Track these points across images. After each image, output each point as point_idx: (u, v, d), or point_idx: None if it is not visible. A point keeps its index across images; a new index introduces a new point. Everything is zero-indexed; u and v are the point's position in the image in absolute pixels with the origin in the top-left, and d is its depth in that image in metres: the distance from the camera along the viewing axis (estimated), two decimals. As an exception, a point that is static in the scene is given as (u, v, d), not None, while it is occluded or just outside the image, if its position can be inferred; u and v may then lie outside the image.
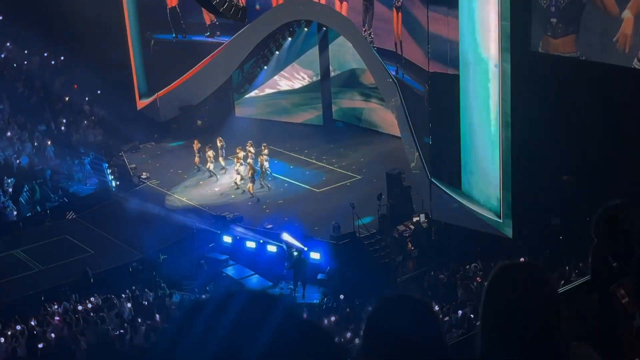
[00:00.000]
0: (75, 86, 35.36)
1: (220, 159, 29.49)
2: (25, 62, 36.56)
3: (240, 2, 25.90)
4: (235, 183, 28.24)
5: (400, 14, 25.18)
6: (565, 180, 21.25)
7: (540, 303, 2.55)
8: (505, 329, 2.54)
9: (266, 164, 28.03)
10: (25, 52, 36.72)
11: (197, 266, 24.25)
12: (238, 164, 28.13)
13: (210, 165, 29.24)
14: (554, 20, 20.18)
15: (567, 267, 19.38)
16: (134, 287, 23.04)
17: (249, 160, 27.99)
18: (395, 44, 25.79)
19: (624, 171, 19.56)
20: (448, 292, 21.31)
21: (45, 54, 36.83)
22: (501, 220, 22.35)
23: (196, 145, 29.89)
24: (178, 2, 33.00)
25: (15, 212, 27.69)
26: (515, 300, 2.55)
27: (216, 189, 28.71)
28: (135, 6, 33.82)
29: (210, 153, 29.14)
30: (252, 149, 28.67)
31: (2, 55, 36.68)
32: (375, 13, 26.69)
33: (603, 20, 19.43)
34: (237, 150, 28.43)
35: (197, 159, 29.79)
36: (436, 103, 23.37)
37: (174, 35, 33.54)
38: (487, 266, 22.01)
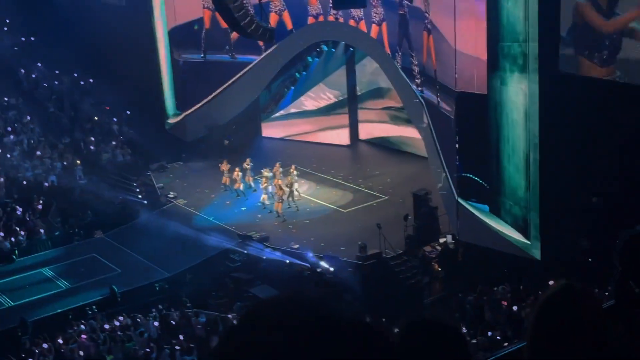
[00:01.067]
0: (107, 108, 35.67)
1: (250, 179, 29.55)
2: (56, 82, 37.01)
3: (270, 23, 26.07)
4: (263, 203, 28.28)
5: (431, 36, 25.19)
6: (594, 202, 21.05)
7: (594, 326, 2.57)
8: (557, 347, 2.55)
9: (295, 185, 28.07)
10: (56, 72, 37.17)
11: (224, 286, 24.26)
12: (265, 184, 28.19)
13: (241, 186, 29.28)
14: (605, 52, 20.05)
15: (596, 290, 19.14)
16: (160, 306, 23.10)
17: (279, 181, 28.03)
18: (424, 65, 25.79)
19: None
20: (475, 314, 21.13)
21: (75, 74, 37.25)
22: (529, 242, 22.17)
23: (225, 166, 29.97)
24: (210, 24, 33.21)
25: (43, 230, 27.91)
26: (569, 322, 2.56)
27: (243, 209, 28.77)
28: (165, 27, 34.12)
29: (238, 174, 29.23)
30: (280, 169, 28.73)
31: (33, 76, 37.18)
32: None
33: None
34: (263, 171, 28.47)
35: (225, 179, 29.87)
36: (464, 123, 23.29)
37: (202, 56, 33.77)
38: (515, 288, 21.85)
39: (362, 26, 29.12)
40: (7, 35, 38.45)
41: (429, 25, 24.96)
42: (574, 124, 20.69)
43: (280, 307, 1.85)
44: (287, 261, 24.53)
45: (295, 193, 28.16)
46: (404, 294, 22.84)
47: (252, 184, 29.53)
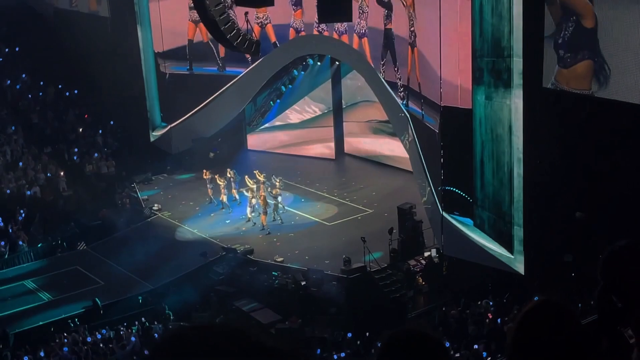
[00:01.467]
0: (86, 116, 35.62)
1: (233, 191, 29.52)
2: (40, 93, 36.88)
3: (254, 35, 26.12)
4: (248, 217, 28.16)
5: (415, 49, 25.33)
6: (578, 217, 21.14)
7: (573, 341, 2.59)
8: None
9: (279, 198, 28.05)
10: (41, 83, 37.06)
11: (207, 299, 24.18)
12: (251, 196, 28.09)
13: (224, 197, 29.27)
14: (561, 51, 20.22)
15: (579, 305, 19.20)
16: (143, 319, 22.99)
17: (262, 193, 27.99)
18: (409, 78, 25.92)
19: (638, 209, 19.46)
20: (459, 328, 21.16)
21: (60, 86, 37.14)
22: (513, 257, 22.24)
23: (206, 174, 29.96)
24: (194, 35, 33.26)
25: (25, 242, 27.73)
26: (548, 338, 2.58)
27: (227, 221, 28.71)
28: (150, 39, 34.12)
29: (222, 184, 29.10)
30: (261, 178, 28.67)
31: (18, 87, 37.02)
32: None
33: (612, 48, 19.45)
34: (248, 182, 28.38)
35: (209, 190, 29.80)
36: (449, 137, 23.38)
37: (188, 68, 33.77)
38: (499, 302, 21.90)
39: (345, 39, 29.25)
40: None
41: (413, 39, 25.11)
42: (558, 139, 20.81)
43: (202, 334, 1.86)
44: (273, 274, 24.47)
45: (280, 206, 28.14)
46: (388, 307, 22.82)
47: (237, 196, 29.49)
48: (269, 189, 28.27)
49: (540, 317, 2.63)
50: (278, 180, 28.56)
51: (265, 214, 27.51)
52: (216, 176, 29.48)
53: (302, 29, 30.95)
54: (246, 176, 28.72)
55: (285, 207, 28.57)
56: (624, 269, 2.94)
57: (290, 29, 31.14)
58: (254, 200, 28.06)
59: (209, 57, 33.10)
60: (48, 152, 33.28)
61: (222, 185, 29.16)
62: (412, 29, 25.26)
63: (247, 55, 30.07)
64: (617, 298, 2.93)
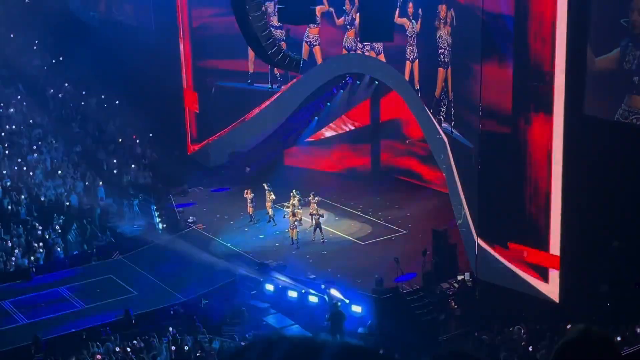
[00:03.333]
0: (135, 137, 35.89)
1: (269, 206, 29.43)
2: (82, 103, 37.41)
3: (302, 53, 26.30)
4: (292, 238, 28.12)
5: (449, 69, 25.40)
6: (615, 246, 20.92)
7: None
8: None
9: (319, 216, 27.89)
10: (83, 93, 37.58)
11: (239, 313, 24.25)
12: (291, 214, 28.06)
13: (270, 211, 29.23)
14: (636, 78, 19.88)
15: (617, 337, 19.00)
16: (174, 331, 23.11)
17: (297, 209, 28.02)
18: (442, 99, 25.99)
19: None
20: (491, 354, 20.98)
21: (102, 96, 37.65)
22: (548, 284, 22.04)
23: (248, 194, 29.99)
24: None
25: (61, 250, 28.05)
26: None
27: (261, 236, 28.78)
28: (192, 50, 34.46)
29: (268, 198, 29.21)
30: (296, 198, 28.71)
31: (60, 95, 37.59)
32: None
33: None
34: (291, 202, 28.36)
35: (250, 209, 29.84)
36: (486, 161, 23.29)
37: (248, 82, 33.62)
38: (531, 329, 21.70)
39: (382, 58, 29.36)
40: (36, 55, 38.96)
41: (445, 60, 25.22)
42: (598, 167, 20.64)
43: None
44: (303, 291, 24.49)
45: (318, 222, 28.00)
46: (420, 329, 22.72)
47: (271, 212, 29.41)
48: (301, 206, 28.29)
49: (580, 347, 2.61)
50: (312, 196, 28.42)
51: (295, 229, 27.54)
52: (247, 191, 29.55)
53: (317, 44, 31.12)
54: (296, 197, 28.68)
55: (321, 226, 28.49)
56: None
57: (304, 43, 31.21)
58: (291, 219, 27.99)
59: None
60: (87, 161, 33.68)
61: (269, 199, 29.13)
62: (441, 50, 25.47)
63: (278, 70, 30.22)
64: None
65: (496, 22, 22.42)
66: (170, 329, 22.82)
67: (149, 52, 34.98)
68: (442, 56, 25.75)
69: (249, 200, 29.83)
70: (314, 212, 27.74)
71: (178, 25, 34.23)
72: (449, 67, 25.40)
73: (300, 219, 27.79)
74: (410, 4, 27.16)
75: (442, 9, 25.82)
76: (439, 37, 25.86)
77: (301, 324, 23.85)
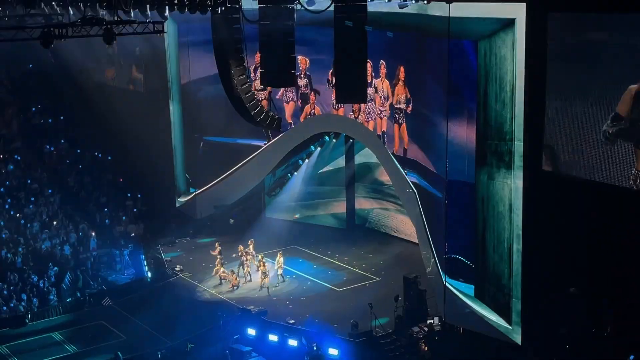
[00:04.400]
0: (121, 180, 35.97)
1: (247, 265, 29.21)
2: (78, 160, 37.31)
3: (275, 113, 26.52)
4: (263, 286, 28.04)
5: (403, 124, 25.91)
6: (572, 292, 20.96)
7: None
8: None
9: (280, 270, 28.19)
10: (78, 150, 37.56)
11: (222, 356, 23.92)
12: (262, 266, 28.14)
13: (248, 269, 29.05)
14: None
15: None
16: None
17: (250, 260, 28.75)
18: (405, 150, 26.38)
19: (626, 287, 19.36)
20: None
21: (96, 153, 37.61)
22: (511, 327, 22.00)
23: (216, 250, 29.63)
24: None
25: (55, 297, 27.70)
26: None
27: (244, 284, 28.60)
28: (180, 114, 34.59)
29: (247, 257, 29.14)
30: (251, 247, 29.17)
31: (56, 152, 37.43)
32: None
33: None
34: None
35: (219, 266, 29.11)
36: (453, 210, 23.37)
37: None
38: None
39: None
40: (36, 115, 38.97)
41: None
42: (555, 218, 20.78)
43: None
44: (284, 335, 24.25)
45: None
46: (392, 371, 22.52)
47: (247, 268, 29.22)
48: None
49: None
50: (280, 254, 28.54)
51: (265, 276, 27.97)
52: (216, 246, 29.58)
53: (294, 100, 31.34)
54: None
55: (285, 277, 28.53)
56: None
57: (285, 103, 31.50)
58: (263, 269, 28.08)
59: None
60: (80, 214, 33.47)
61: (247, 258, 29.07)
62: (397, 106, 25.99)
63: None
64: None
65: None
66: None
67: (140, 112, 35.08)
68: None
69: (218, 257, 29.39)
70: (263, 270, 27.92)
71: (168, 88, 34.40)
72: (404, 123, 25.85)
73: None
74: (382, 64, 27.48)
75: (400, 69, 26.32)
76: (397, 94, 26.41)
77: (281, 366, 23.57)
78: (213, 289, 28.47)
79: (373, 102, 28.14)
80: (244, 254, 29.10)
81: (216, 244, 30.16)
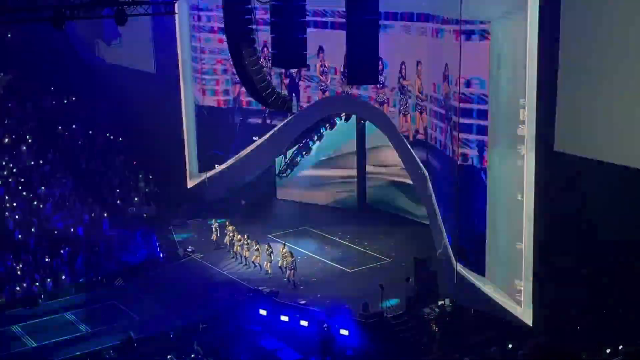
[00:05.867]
0: (135, 163, 36.02)
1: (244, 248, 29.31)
2: (89, 141, 37.35)
3: (286, 95, 26.38)
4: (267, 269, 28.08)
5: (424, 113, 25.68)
6: (584, 273, 20.92)
7: None
8: None
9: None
10: (90, 132, 37.59)
11: (235, 336, 24.03)
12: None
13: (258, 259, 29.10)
14: None
15: (583, 357, 18.94)
16: (172, 355, 22.83)
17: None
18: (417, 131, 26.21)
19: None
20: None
21: (108, 134, 37.66)
22: (522, 309, 21.97)
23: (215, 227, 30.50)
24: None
25: (68, 277, 27.85)
26: None
27: (255, 265, 28.67)
28: (192, 94, 34.52)
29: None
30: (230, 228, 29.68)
31: (68, 134, 37.51)
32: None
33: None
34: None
35: (215, 237, 30.09)
36: (465, 192, 23.30)
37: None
38: (504, 350, 21.61)
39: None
40: (50, 96, 39.00)
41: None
42: (567, 200, 20.69)
43: None
44: (295, 315, 24.33)
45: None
46: (403, 352, 22.55)
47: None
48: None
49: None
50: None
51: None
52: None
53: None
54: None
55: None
56: None
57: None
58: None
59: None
60: (93, 195, 33.57)
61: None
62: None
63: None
64: None
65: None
66: (169, 356, 22.50)
67: (151, 93, 35.06)
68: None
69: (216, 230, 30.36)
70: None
71: (178, 69, 34.33)
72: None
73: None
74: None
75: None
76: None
77: (292, 346, 23.64)
78: (225, 269, 28.55)
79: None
80: (234, 233, 29.35)
81: (227, 225, 30.31)
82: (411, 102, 26.97)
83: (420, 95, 26.29)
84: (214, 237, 30.65)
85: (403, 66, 27.06)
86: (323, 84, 30.77)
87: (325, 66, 30.51)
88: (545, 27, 20.16)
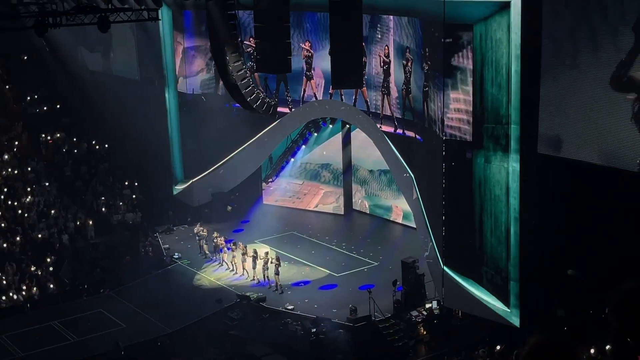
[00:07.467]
0: (120, 170, 35.84)
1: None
2: (74, 149, 37.20)
3: (270, 100, 26.37)
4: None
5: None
6: (570, 274, 21.01)
7: None
8: None
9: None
10: (74, 139, 37.42)
11: (222, 343, 23.97)
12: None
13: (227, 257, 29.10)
14: None
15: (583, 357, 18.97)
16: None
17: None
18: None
19: (623, 269, 19.35)
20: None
21: (93, 141, 37.50)
22: (509, 310, 22.05)
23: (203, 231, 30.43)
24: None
25: (54, 286, 27.70)
26: None
27: (242, 271, 28.59)
28: (176, 101, 34.45)
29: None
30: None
31: (52, 142, 37.34)
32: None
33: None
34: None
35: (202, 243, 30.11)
36: (452, 196, 23.36)
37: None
38: (494, 352, 21.66)
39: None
40: (34, 103, 38.82)
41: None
42: (552, 201, 20.79)
43: None
44: (282, 321, 24.29)
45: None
46: (391, 355, 22.58)
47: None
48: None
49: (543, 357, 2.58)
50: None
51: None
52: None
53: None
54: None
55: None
56: (636, 310, 2.79)
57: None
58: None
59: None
60: (78, 203, 33.41)
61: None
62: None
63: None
64: (632, 339, 2.81)
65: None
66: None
67: (135, 99, 34.93)
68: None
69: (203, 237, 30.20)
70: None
71: (163, 76, 34.25)
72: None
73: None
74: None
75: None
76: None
77: (280, 352, 23.59)
78: (211, 276, 28.50)
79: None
80: (220, 239, 29.40)
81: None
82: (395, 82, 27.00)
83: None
84: (200, 243, 30.60)
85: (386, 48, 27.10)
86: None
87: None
88: (528, 27, 20.26)
